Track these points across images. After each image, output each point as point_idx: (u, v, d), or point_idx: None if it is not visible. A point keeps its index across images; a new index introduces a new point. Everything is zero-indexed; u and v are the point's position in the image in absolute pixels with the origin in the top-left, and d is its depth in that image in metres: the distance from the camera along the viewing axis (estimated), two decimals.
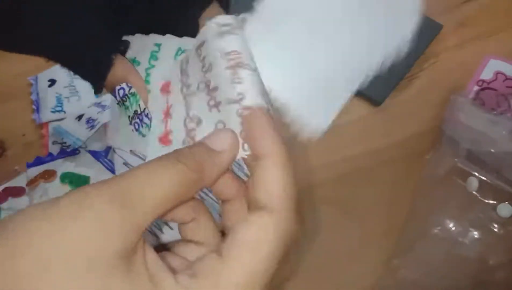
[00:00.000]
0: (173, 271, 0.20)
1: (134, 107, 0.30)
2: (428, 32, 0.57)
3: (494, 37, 0.57)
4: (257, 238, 0.21)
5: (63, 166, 0.46)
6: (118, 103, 0.31)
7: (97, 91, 0.32)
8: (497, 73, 0.54)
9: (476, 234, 0.43)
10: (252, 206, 0.22)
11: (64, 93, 0.52)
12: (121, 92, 0.31)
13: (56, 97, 0.52)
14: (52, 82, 0.53)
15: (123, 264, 0.18)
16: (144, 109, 0.30)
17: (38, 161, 0.47)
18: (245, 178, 0.24)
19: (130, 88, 0.30)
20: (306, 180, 0.48)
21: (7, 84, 0.54)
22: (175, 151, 0.22)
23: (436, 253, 0.42)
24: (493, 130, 0.45)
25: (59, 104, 0.51)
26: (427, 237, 0.43)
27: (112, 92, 0.31)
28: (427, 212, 0.44)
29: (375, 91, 0.52)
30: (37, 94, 0.52)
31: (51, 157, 0.47)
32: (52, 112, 0.51)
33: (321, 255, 0.44)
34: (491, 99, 0.51)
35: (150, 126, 0.29)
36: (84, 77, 0.33)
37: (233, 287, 0.20)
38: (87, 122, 0.50)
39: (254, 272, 0.20)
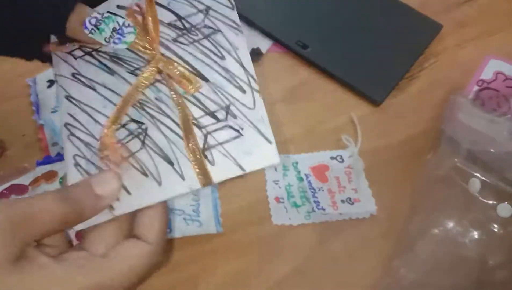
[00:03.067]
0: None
1: (112, 25, 0.30)
2: (428, 32, 0.57)
3: (494, 37, 0.57)
4: (135, 255, 0.28)
5: (64, 167, 0.46)
6: (90, 32, 0.30)
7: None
8: (497, 73, 0.54)
9: (476, 234, 0.43)
10: (137, 236, 0.29)
11: None
12: (93, 20, 0.30)
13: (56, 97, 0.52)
14: (51, 83, 0.53)
15: (13, 264, 0.24)
16: (124, 21, 0.30)
17: (48, 160, 0.47)
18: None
19: (104, 14, 0.30)
20: None
21: (7, 84, 0.54)
22: (66, 189, 0.28)
23: (436, 253, 0.42)
24: (493, 130, 0.45)
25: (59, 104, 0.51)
26: (427, 237, 0.43)
27: (82, 25, 0.30)
28: (427, 212, 0.44)
29: (375, 91, 0.52)
30: (36, 95, 0.52)
31: (59, 157, 0.47)
32: (52, 112, 0.51)
33: (321, 255, 0.44)
34: (491, 99, 0.52)
35: (135, 31, 0.30)
36: (42, 27, 0.33)
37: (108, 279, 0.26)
38: None
39: (122, 275, 0.27)
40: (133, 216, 0.30)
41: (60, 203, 0.27)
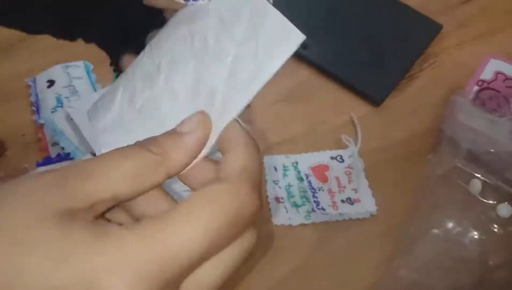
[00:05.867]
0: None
1: None
2: (428, 32, 0.57)
3: (494, 37, 0.57)
4: (209, 200, 0.20)
5: None
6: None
7: None
8: (497, 73, 0.54)
9: (476, 234, 0.43)
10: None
11: (64, 93, 0.52)
12: None
13: (56, 97, 0.52)
14: (51, 82, 0.53)
15: (64, 219, 0.19)
16: None
17: (48, 161, 0.47)
18: None
19: None
20: None
21: (7, 84, 0.54)
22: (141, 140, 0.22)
23: (436, 253, 0.42)
24: (493, 130, 0.45)
25: (59, 104, 0.51)
26: (427, 237, 0.43)
27: None
28: (427, 212, 0.44)
29: (375, 91, 0.52)
30: (36, 95, 0.52)
31: (59, 158, 0.47)
32: (52, 112, 0.51)
33: (321, 255, 0.44)
34: (491, 100, 0.51)
35: None
36: None
37: (174, 237, 0.19)
38: None
39: (199, 232, 0.19)
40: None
41: (134, 149, 0.21)
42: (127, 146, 0.22)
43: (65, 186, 0.19)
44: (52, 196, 0.19)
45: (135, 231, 0.19)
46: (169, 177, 0.22)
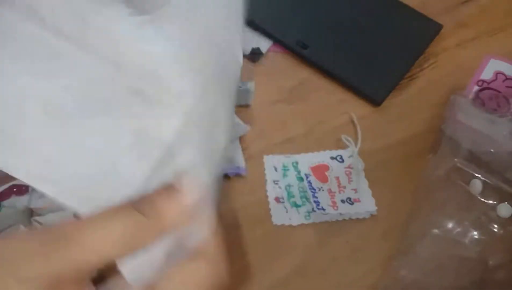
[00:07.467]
0: None
1: None
2: (428, 32, 0.57)
3: (494, 37, 0.57)
4: (188, 276, 0.22)
5: None
6: None
7: None
8: (497, 73, 0.54)
9: (476, 234, 0.43)
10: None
11: None
12: None
13: None
14: None
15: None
16: None
17: None
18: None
19: None
20: None
21: None
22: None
23: (436, 253, 0.42)
24: (493, 130, 0.45)
25: None
26: (427, 237, 0.43)
27: None
28: (427, 212, 0.44)
29: (375, 91, 0.52)
30: None
31: None
32: None
33: (321, 255, 0.44)
34: (491, 100, 0.52)
35: None
36: None
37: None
38: None
39: None
40: None
41: (124, 211, 0.20)
42: (118, 206, 0.21)
43: (49, 255, 0.19)
44: (37, 265, 0.19)
45: None
46: (161, 236, 0.22)
